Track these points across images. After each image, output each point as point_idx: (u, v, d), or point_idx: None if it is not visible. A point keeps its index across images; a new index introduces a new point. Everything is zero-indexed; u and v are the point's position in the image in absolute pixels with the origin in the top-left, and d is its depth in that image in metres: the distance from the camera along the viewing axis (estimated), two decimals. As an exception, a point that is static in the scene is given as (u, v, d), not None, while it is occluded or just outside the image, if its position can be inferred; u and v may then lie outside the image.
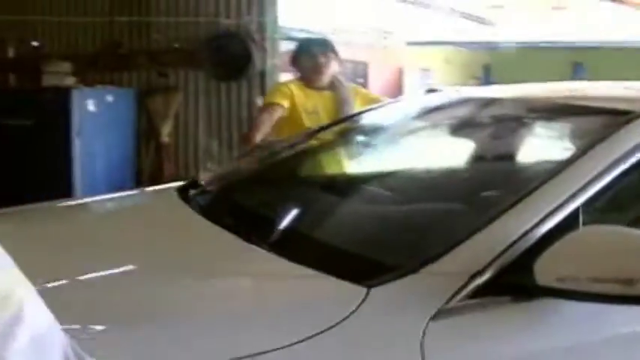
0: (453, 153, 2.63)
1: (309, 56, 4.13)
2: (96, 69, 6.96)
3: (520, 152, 2.51)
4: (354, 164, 2.92)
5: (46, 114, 6.08)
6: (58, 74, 6.88)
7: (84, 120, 6.12)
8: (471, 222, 1.86)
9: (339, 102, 4.09)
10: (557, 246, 1.61)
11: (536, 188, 1.84)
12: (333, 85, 4.14)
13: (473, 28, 9.51)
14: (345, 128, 3.14)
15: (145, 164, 6.84)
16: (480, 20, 8.77)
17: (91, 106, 6.18)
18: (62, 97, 6.04)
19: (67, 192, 5.82)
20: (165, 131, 6.73)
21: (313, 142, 3.02)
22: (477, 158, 2.52)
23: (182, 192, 2.61)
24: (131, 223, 2.50)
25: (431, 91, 3.90)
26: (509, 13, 7.91)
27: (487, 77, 15.33)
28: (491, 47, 13.26)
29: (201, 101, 6.70)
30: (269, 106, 4.18)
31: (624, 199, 2.11)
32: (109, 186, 5.97)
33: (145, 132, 6.83)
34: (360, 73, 15.29)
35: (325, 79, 4.14)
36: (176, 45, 6.67)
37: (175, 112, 6.71)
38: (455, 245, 1.73)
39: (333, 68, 4.17)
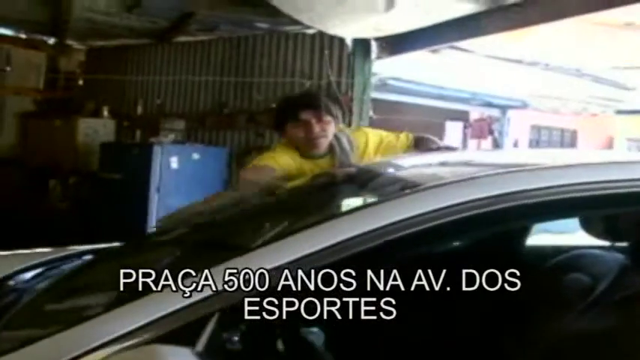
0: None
1: (300, 124, 3.17)
2: (204, 127, 7.35)
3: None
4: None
5: (133, 169, 6.50)
6: (173, 131, 7.41)
7: (165, 176, 6.40)
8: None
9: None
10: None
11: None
12: (333, 150, 3.25)
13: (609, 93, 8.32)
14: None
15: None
16: (615, 84, 7.61)
17: (174, 163, 6.47)
18: (146, 154, 6.40)
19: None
20: (257, 191, 6.81)
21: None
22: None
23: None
24: None
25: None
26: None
27: None
28: None
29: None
30: (257, 166, 3.26)
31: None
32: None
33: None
34: (567, 140, 14.20)
35: (323, 148, 3.22)
36: (273, 105, 6.77)
37: (267, 172, 6.78)
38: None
39: (331, 132, 3.20)
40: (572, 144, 13.89)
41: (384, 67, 10.02)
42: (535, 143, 13.69)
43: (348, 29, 5.60)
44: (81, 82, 8.48)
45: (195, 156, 6.67)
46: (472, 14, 5.07)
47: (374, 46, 6.34)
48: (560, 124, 13.89)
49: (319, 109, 3.19)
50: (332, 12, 5.14)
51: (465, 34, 5.33)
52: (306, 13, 5.25)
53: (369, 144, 3.38)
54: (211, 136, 7.27)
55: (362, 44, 6.30)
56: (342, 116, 6.13)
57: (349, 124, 6.34)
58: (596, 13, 4.28)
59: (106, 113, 7.90)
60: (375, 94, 11.92)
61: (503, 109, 11.92)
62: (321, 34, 6.40)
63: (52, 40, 8.31)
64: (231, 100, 7.19)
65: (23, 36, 8.23)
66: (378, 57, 6.41)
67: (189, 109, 7.51)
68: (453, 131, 12.74)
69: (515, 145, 12.56)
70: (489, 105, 11.62)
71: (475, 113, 12.47)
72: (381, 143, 3.44)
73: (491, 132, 11.98)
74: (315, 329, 1.75)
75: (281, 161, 3.19)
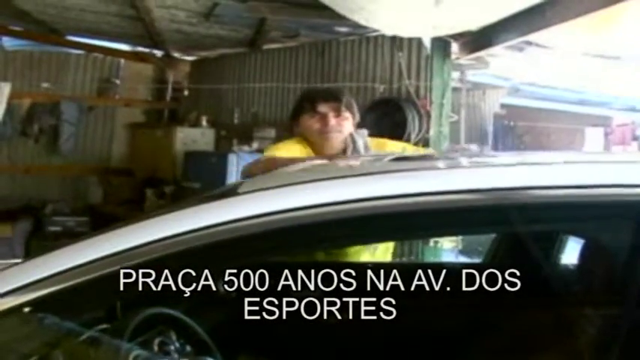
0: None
1: (316, 116, 3.13)
2: (292, 134, 7.34)
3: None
4: None
5: (210, 178, 6.60)
6: (265, 139, 7.50)
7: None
8: None
9: None
10: None
11: None
12: (346, 149, 3.14)
13: None
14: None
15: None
16: None
17: (250, 171, 6.51)
18: (222, 163, 6.50)
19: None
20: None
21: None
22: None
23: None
24: None
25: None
26: None
27: None
28: None
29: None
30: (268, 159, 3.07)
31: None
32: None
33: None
34: None
35: (336, 144, 3.14)
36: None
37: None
38: None
39: (347, 129, 3.15)
40: None
41: (515, 71, 9.64)
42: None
43: (404, 29, 5.38)
44: (186, 93, 8.79)
45: (274, 164, 6.67)
46: (536, 5, 4.73)
47: (454, 46, 6.06)
48: None
49: (339, 102, 3.15)
50: (382, 9, 4.95)
51: (533, 27, 4.97)
52: (359, 13, 5.09)
53: (384, 145, 3.29)
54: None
55: (440, 45, 6.04)
56: (419, 122, 5.96)
57: (427, 130, 6.11)
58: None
59: (204, 123, 8.13)
60: (507, 100, 11.56)
61: (649, 113, 11.02)
62: (400, 37, 6.22)
63: (159, 53, 8.73)
64: (318, 107, 7.14)
65: (130, 49, 8.71)
66: (457, 57, 6.11)
67: (280, 116, 7.56)
68: (594, 138, 11.96)
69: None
70: (633, 110, 10.79)
71: (620, 118, 11.66)
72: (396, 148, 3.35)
73: (635, 138, 11.10)
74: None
75: (292, 152, 3.15)
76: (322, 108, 3.12)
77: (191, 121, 8.27)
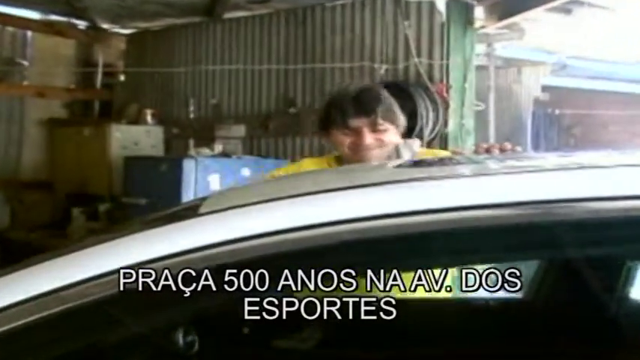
0: None
1: (347, 130, 3.21)
2: (267, 133, 7.39)
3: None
4: None
5: (161, 191, 6.60)
6: (230, 139, 7.55)
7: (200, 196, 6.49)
8: None
9: None
10: None
11: None
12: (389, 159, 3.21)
13: None
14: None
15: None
16: None
17: (214, 182, 6.54)
18: (177, 171, 6.50)
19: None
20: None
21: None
22: None
23: None
24: None
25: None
26: None
27: None
28: None
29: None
30: None
31: None
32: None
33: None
34: None
35: (376, 159, 3.21)
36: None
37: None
38: None
39: (390, 141, 3.24)
40: None
41: (561, 42, 9.73)
42: None
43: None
44: (122, 78, 8.79)
45: (246, 172, 6.72)
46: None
47: (478, 11, 6.11)
48: None
49: (373, 116, 3.19)
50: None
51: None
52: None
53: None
54: (277, 143, 7.33)
55: (459, 9, 6.10)
56: (433, 112, 6.02)
57: (445, 123, 6.16)
58: None
59: (149, 118, 8.15)
60: (551, 81, 11.62)
61: None
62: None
63: (82, 24, 8.67)
64: (300, 96, 7.19)
65: (41, 18, 8.58)
66: (483, 26, 6.17)
67: (250, 109, 7.59)
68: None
69: None
70: None
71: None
72: None
73: None
74: None
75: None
76: (354, 123, 3.16)
77: (131, 116, 8.30)
